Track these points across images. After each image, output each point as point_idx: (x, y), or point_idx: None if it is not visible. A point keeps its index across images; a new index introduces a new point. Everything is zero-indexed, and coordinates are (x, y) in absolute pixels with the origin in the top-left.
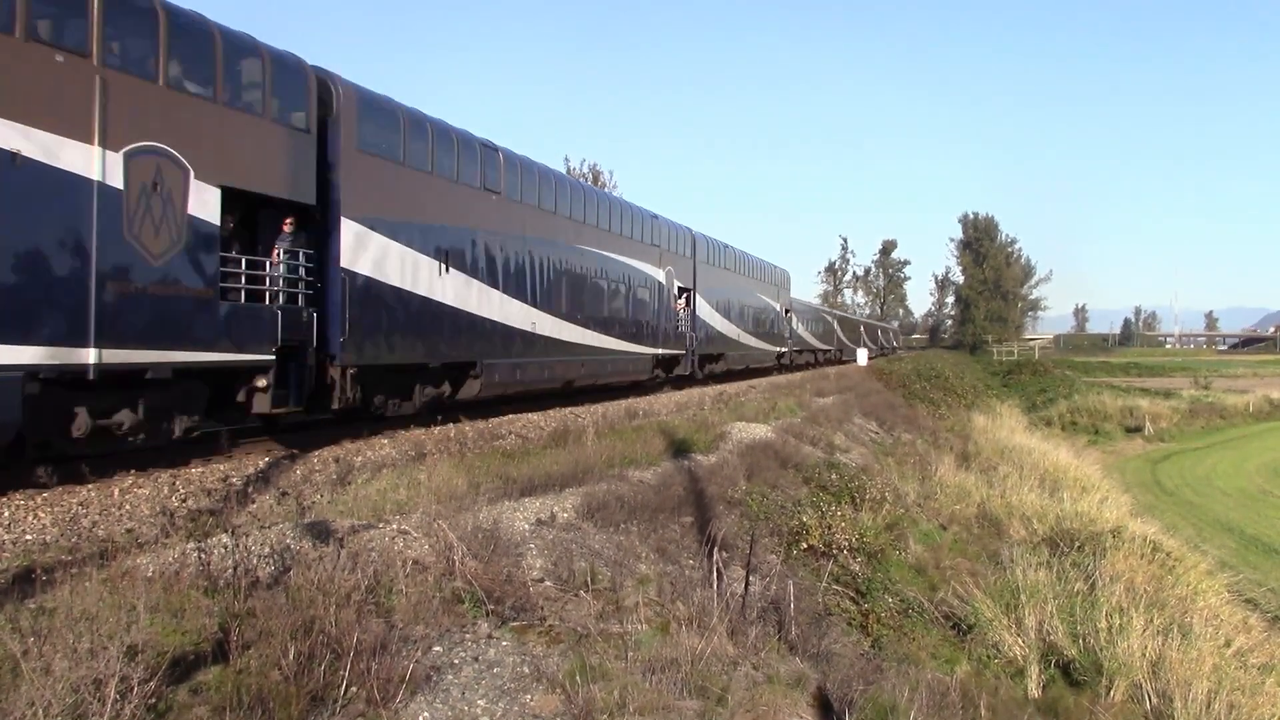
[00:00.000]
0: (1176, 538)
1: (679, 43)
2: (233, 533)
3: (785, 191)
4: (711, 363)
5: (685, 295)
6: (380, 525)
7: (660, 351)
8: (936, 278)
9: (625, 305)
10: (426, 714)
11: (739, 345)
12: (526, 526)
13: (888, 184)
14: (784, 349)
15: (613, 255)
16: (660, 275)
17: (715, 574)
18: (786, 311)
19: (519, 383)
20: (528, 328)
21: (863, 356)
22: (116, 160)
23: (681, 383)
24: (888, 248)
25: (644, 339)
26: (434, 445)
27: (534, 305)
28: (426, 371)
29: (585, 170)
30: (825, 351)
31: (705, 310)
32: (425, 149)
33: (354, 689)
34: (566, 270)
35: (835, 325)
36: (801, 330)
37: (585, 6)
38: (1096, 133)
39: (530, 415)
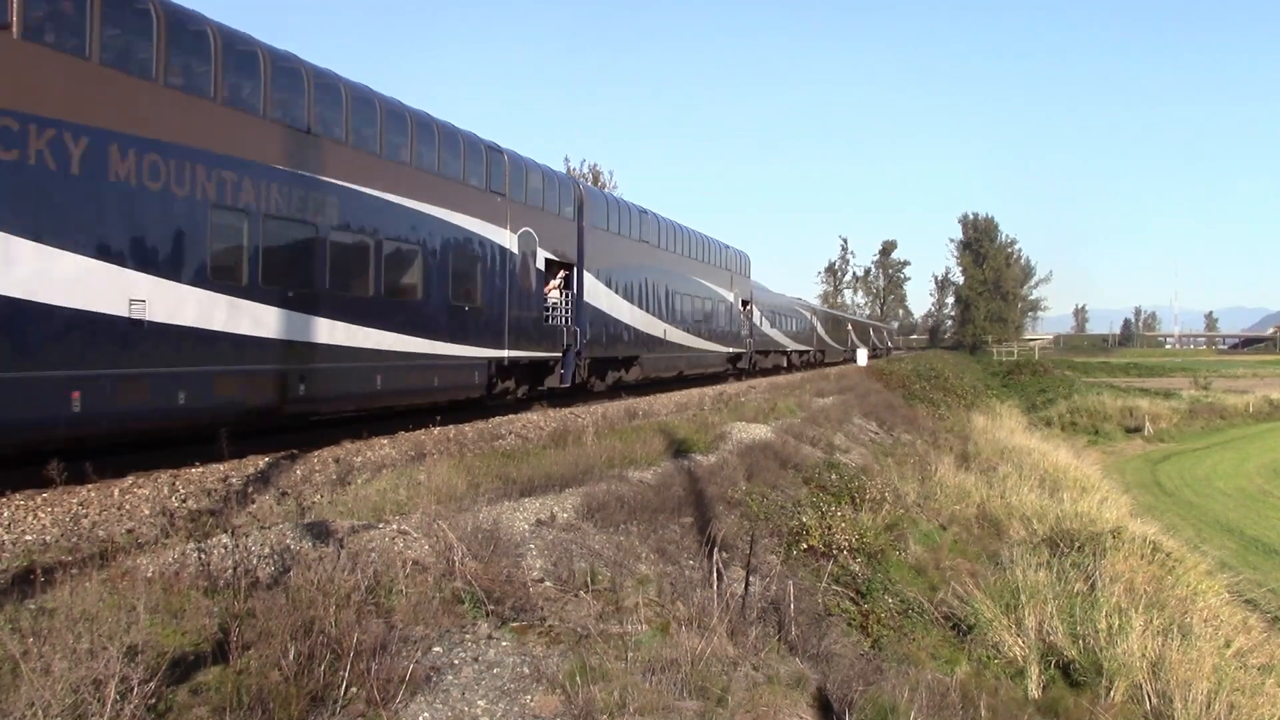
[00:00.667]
0: (1176, 538)
1: (679, 42)
2: (233, 533)
3: (785, 191)
4: (615, 369)
5: (564, 274)
6: (380, 525)
7: (507, 354)
8: (936, 278)
9: (425, 282)
10: (426, 714)
11: (665, 346)
12: (526, 527)
13: (888, 184)
14: (741, 350)
15: (387, 196)
16: (505, 239)
17: (715, 574)
18: (745, 304)
19: (92, 420)
20: (121, 313)
21: (862, 356)
22: None
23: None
24: (887, 248)
25: (469, 335)
26: (434, 445)
27: (145, 270)
28: None
29: (585, 170)
30: (803, 353)
31: (601, 296)
32: None
33: (354, 689)
34: (248, 210)
35: (816, 323)
36: (768, 328)
37: (585, 7)
38: (1097, 133)
39: (530, 415)
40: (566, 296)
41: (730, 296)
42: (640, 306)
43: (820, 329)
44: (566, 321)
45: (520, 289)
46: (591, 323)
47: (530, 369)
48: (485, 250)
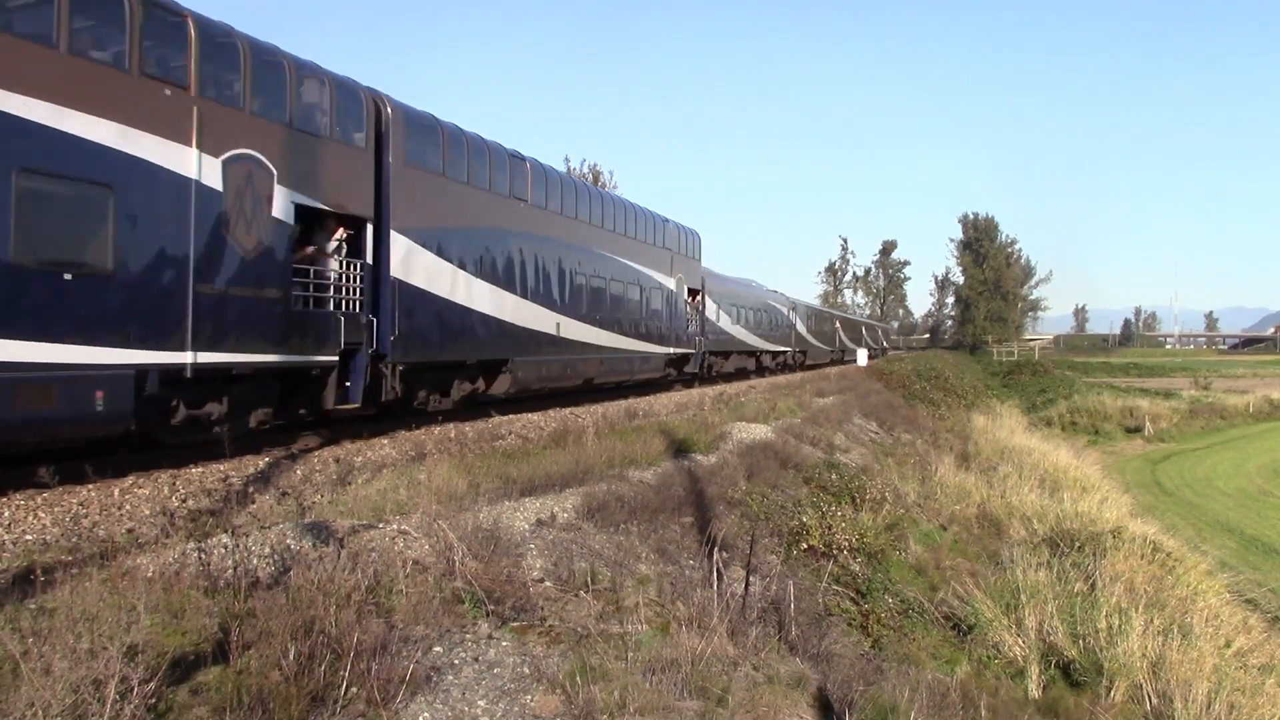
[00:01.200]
0: (1176, 538)
1: (678, 43)
2: (233, 533)
3: (785, 191)
4: (465, 379)
5: (348, 234)
6: (380, 525)
7: (193, 358)
8: (936, 278)
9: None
10: (427, 714)
11: (559, 345)
12: (526, 527)
13: (888, 184)
14: (688, 351)
15: None
16: (192, 164)
17: (715, 574)
18: (694, 293)
19: None
20: None
21: (862, 357)
22: None
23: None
24: (888, 248)
25: (75, 325)
26: (434, 445)
27: None
28: None
29: (585, 170)
30: (777, 355)
31: (427, 271)
32: None
33: (354, 689)
34: None
35: (796, 319)
36: (728, 324)
37: (585, 7)
38: (1098, 133)
39: (530, 415)
40: (355, 269)
41: (670, 283)
42: (511, 289)
43: (801, 326)
44: (354, 307)
45: (230, 249)
46: (409, 310)
47: (270, 384)
48: (132, 179)
